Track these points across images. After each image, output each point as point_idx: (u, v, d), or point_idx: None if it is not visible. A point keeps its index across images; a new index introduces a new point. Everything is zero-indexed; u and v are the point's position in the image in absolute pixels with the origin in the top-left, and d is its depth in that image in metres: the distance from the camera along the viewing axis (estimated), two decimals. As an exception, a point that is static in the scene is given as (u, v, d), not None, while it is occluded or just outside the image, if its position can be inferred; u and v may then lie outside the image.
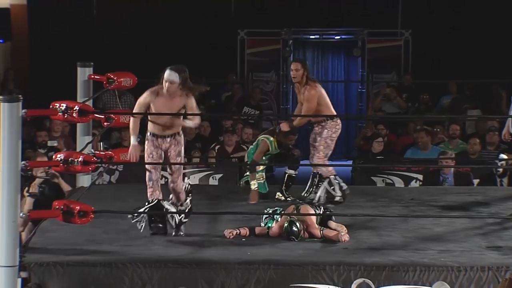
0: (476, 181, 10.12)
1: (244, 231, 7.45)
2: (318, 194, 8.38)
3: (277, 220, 7.48)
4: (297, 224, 7.29)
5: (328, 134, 8.38)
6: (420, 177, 10.43)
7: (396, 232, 7.59)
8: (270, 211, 7.62)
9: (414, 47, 14.80)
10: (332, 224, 7.56)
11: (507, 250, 7.02)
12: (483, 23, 14.24)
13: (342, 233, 7.32)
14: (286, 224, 7.29)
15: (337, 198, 8.36)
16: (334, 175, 8.41)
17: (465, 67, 13.83)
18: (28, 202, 8.30)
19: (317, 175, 8.45)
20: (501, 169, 9.78)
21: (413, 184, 10.38)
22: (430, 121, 12.42)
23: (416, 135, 11.40)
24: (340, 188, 8.39)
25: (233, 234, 7.41)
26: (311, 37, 15.30)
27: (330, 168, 8.43)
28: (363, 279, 5.68)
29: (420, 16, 14.60)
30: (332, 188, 8.38)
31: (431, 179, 10.27)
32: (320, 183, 8.40)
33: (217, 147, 11.32)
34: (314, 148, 8.43)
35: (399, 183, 10.43)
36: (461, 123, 11.94)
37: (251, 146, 8.94)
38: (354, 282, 5.64)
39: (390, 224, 7.80)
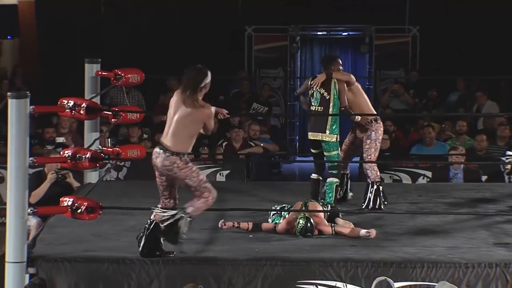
0: (484, 178, 10.12)
1: (246, 225, 7.46)
2: (377, 200, 8.21)
3: (285, 217, 7.48)
4: (311, 220, 7.30)
5: (377, 136, 8.30)
6: (428, 173, 10.42)
7: (404, 228, 7.59)
8: (278, 208, 7.62)
9: (422, 43, 14.78)
10: (340, 221, 7.57)
11: (514, 247, 7.03)
12: (491, 19, 14.20)
13: (369, 231, 7.31)
14: (302, 221, 7.28)
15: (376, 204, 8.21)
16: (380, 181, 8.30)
17: (473, 64, 13.81)
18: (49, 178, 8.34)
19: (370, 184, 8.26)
20: (509, 166, 9.75)
21: (421, 180, 10.38)
22: (439, 117, 12.41)
23: (422, 131, 11.40)
24: (381, 198, 8.25)
25: (225, 225, 7.44)
26: (318, 33, 15.28)
27: (378, 173, 8.29)
28: (385, 277, 5.67)
29: (428, 13, 14.56)
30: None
31: (440, 175, 10.26)
32: (372, 189, 8.23)
33: (224, 144, 11.33)
34: (365, 150, 8.27)
35: (406, 179, 10.43)
36: (468, 120, 11.92)
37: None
38: (376, 279, 5.64)
39: (397, 220, 7.80)
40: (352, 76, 8.30)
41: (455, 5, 14.48)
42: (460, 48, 14.23)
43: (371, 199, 8.18)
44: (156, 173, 6.73)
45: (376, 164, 8.27)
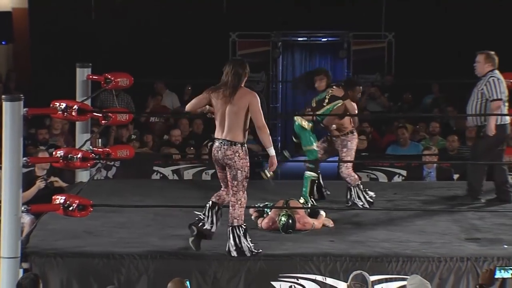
0: (456, 176, 10.14)
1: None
2: (359, 201, 8.17)
3: (267, 214, 7.48)
4: (293, 217, 7.31)
5: (352, 146, 8.28)
6: (403, 172, 10.44)
7: (380, 225, 7.60)
8: (261, 205, 7.62)
9: (397, 49, 14.82)
10: (321, 217, 7.58)
11: (485, 242, 7.04)
12: (462, 25, 14.27)
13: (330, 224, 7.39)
14: (284, 218, 7.29)
15: (360, 204, 8.16)
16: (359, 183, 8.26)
17: (446, 68, 13.85)
18: (37, 185, 8.37)
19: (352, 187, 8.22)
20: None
21: (396, 179, 10.40)
22: (413, 119, 12.44)
23: (396, 132, 11.44)
24: (365, 196, 8.21)
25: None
26: (299, 39, 15.30)
27: (357, 177, 8.27)
28: (361, 271, 5.68)
29: (402, 20, 14.61)
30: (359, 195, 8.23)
31: (414, 173, 10.29)
32: (352, 191, 8.19)
33: (209, 144, 11.30)
34: (342, 157, 8.24)
35: (382, 178, 10.44)
36: (441, 121, 11.96)
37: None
38: (353, 273, 5.65)
39: (374, 217, 7.81)
40: (356, 109, 8.31)
41: (429, 12, 14.53)
42: (433, 53, 14.27)
43: (355, 201, 8.15)
44: (217, 168, 6.73)
45: (353, 170, 8.24)
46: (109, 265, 6.56)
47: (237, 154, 6.57)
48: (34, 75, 14.92)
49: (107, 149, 8.71)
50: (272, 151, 6.62)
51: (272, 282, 6.53)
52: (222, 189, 6.81)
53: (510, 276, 5.17)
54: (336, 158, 8.43)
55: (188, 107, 6.87)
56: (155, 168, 10.57)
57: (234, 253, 6.60)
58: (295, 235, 7.25)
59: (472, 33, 14.02)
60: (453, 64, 13.77)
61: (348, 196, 8.21)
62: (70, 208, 6.86)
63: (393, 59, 14.87)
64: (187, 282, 5.85)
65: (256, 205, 7.63)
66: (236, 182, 6.60)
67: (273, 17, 14.72)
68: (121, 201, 8.24)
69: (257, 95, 6.66)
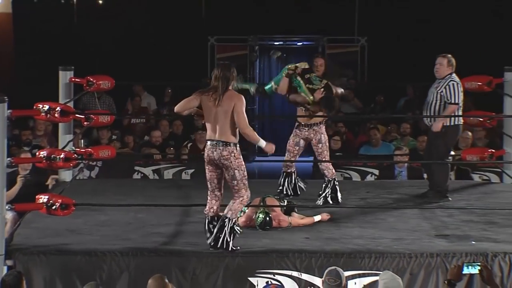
0: (426, 175, 10.17)
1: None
2: (336, 195, 8.16)
3: (245, 212, 7.49)
4: (270, 215, 7.31)
5: (326, 138, 8.27)
6: (376, 171, 10.48)
7: (354, 222, 7.62)
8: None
9: (370, 52, 14.89)
10: (295, 215, 7.60)
11: (453, 238, 7.07)
12: (432, 30, 14.39)
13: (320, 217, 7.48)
14: (261, 215, 7.30)
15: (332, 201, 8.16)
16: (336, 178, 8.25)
17: (417, 71, 13.94)
18: (19, 182, 8.35)
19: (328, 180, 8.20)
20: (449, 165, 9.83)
21: (369, 178, 10.43)
22: (385, 120, 12.49)
23: (369, 133, 11.48)
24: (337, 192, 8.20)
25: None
26: (275, 43, 15.31)
27: (334, 171, 8.25)
28: (335, 266, 5.70)
29: (375, 25, 14.70)
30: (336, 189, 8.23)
31: (386, 173, 10.33)
32: (330, 186, 8.18)
33: (189, 145, 11.30)
34: (318, 153, 8.23)
35: (356, 177, 10.47)
36: (412, 122, 12.01)
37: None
38: (327, 269, 5.67)
39: (348, 214, 7.83)
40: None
41: (399, 18, 14.63)
42: (405, 56, 14.36)
43: (329, 195, 8.18)
44: (209, 167, 6.66)
45: (331, 163, 8.29)
46: (91, 262, 6.53)
47: (233, 154, 6.57)
48: (18, 77, 14.85)
49: (89, 150, 8.70)
50: (262, 143, 6.66)
51: (250, 278, 6.53)
52: (208, 198, 6.76)
53: (477, 272, 5.20)
54: (311, 157, 8.43)
55: (177, 108, 6.83)
56: (136, 168, 10.55)
57: (211, 242, 6.59)
58: (271, 232, 7.25)
59: (440, 36, 14.16)
60: (423, 66, 13.88)
61: (322, 191, 8.20)
62: (53, 207, 6.83)
63: (366, 62, 14.94)
64: None
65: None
66: (236, 181, 6.61)
67: (251, 22, 14.75)
68: (103, 200, 8.21)
69: (243, 98, 6.66)
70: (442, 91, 8.19)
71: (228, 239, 6.60)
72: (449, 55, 8.33)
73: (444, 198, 8.29)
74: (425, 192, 8.41)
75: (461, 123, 8.29)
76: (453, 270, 5.24)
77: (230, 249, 6.61)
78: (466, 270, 5.18)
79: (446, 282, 5.21)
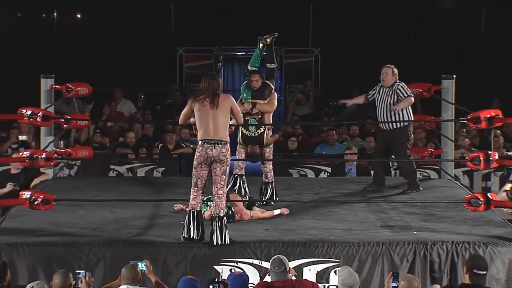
0: (373, 172, 10.23)
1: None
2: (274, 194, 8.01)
3: (210, 206, 7.46)
4: (232, 209, 7.30)
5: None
6: (329, 169, 10.51)
7: (309, 215, 7.63)
8: (205, 199, 7.59)
9: (322, 62, 15.00)
10: (256, 209, 7.60)
11: (397, 229, 7.12)
12: (377, 41, 14.53)
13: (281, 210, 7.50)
14: (225, 209, 7.27)
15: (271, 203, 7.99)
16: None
17: (364, 78, 14.07)
18: (8, 188, 8.26)
19: (270, 183, 8.01)
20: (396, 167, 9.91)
21: (322, 175, 10.46)
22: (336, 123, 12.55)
23: (326, 133, 11.50)
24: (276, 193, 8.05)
25: (177, 207, 7.57)
26: (238, 53, 15.30)
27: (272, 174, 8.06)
28: (278, 255, 5.71)
29: (327, 38, 14.82)
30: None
31: (338, 170, 10.37)
32: (269, 188, 8.01)
33: (160, 145, 11.25)
34: (266, 157, 7.98)
35: (311, 174, 10.50)
36: (360, 125, 12.09)
37: None
38: (271, 258, 5.66)
39: (303, 208, 7.85)
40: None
41: (348, 32, 14.76)
42: (352, 65, 14.48)
43: (273, 194, 8.01)
44: (203, 166, 6.58)
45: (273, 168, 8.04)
46: (70, 252, 6.47)
47: (228, 152, 6.60)
48: (2, 85, 14.70)
49: (69, 150, 8.63)
50: None
51: (215, 266, 6.51)
52: (195, 194, 6.66)
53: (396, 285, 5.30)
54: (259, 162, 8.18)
55: (181, 121, 6.79)
56: (112, 166, 10.46)
57: (219, 241, 6.53)
58: (234, 224, 7.24)
59: (384, 48, 14.34)
60: (369, 74, 14.03)
61: (264, 191, 8.02)
62: (36, 202, 6.76)
63: (319, 71, 15.04)
64: (143, 264, 5.79)
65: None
66: (225, 176, 6.59)
67: (215, 34, 14.75)
68: (81, 196, 8.14)
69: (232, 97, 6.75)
70: (395, 98, 8.31)
71: (227, 234, 6.59)
72: (392, 66, 8.45)
73: (418, 188, 8.37)
74: (405, 190, 8.44)
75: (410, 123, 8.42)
76: (388, 277, 5.34)
77: (231, 241, 6.59)
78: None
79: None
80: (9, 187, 8.26)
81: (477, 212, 7.00)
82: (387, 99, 8.35)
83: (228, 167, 6.61)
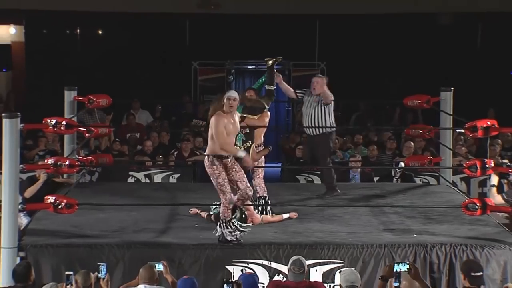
0: (376, 179, 10.24)
1: (204, 214, 7.45)
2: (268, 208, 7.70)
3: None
4: (246, 213, 7.30)
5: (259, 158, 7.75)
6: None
7: (315, 218, 7.63)
8: (218, 203, 7.58)
9: (328, 75, 14.99)
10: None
11: (398, 232, 7.12)
12: (380, 56, 14.55)
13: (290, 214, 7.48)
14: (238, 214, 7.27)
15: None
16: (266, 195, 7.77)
17: (368, 90, 14.10)
18: (42, 178, 8.26)
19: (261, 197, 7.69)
20: (399, 174, 9.90)
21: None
22: (341, 131, 12.54)
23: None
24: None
25: (192, 211, 7.55)
26: (249, 67, 15.33)
27: (265, 188, 7.75)
28: (298, 256, 5.70)
29: (332, 52, 14.84)
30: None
31: (343, 176, 10.35)
32: (262, 201, 7.70)
33: (175, 153, 11.27)
34: (256, 171, 7.68)
35: (317, 180, 10.49)
36: (363, 133, 12.07)
37: None
38: (292, 258, 5.66)
39: (310, 212, 7.85)
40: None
41: (353, 46, 14.76)
42: (357, 78, 14.50)
43: (263, 209, 7.65)
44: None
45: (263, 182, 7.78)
46: (91, 253, 6.50)
47: (209, 163, 6.71)
48: (29, 96, 14.81)
49: (90, 157, 8.66)
50: (241, 153, 6.75)
51: (227, 267, 6.53)
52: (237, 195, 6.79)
53: (406, 270, 5.25)
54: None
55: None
56: (130, 173, 10.50)
57: (232, 239, 6.64)
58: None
59: (387, 61, 14.36)
60: (372, 87, 14.07)
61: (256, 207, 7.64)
62: (59, 207, 6.79)
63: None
64: (160, 265, 5.80)
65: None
66: (219, 188, 6.76)
67: (227, 48, 14.81)
68: (102, 200, 8.17)
69: None
70: (322, 101, 8.44)
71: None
72: (323, 76, 8.71)
73: (335, 191, 8.32)
74: (323, 194, 8.38)
75: (333, 130, 8.40)
76: (386, 268, 5.28)
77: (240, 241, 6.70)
78: (396, 268, 5.22)
79: (380, 278, 5.25)
80: (43, 177, 8.28)
81: (474, 216, 6.99)
82: (314, 105, 8.36)
83: (215, 179, 6.64)
